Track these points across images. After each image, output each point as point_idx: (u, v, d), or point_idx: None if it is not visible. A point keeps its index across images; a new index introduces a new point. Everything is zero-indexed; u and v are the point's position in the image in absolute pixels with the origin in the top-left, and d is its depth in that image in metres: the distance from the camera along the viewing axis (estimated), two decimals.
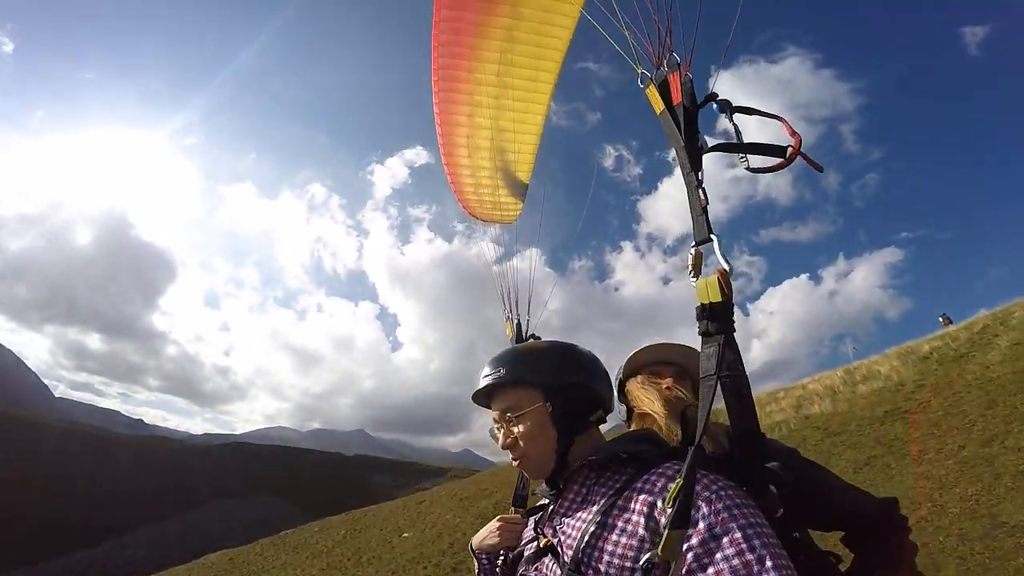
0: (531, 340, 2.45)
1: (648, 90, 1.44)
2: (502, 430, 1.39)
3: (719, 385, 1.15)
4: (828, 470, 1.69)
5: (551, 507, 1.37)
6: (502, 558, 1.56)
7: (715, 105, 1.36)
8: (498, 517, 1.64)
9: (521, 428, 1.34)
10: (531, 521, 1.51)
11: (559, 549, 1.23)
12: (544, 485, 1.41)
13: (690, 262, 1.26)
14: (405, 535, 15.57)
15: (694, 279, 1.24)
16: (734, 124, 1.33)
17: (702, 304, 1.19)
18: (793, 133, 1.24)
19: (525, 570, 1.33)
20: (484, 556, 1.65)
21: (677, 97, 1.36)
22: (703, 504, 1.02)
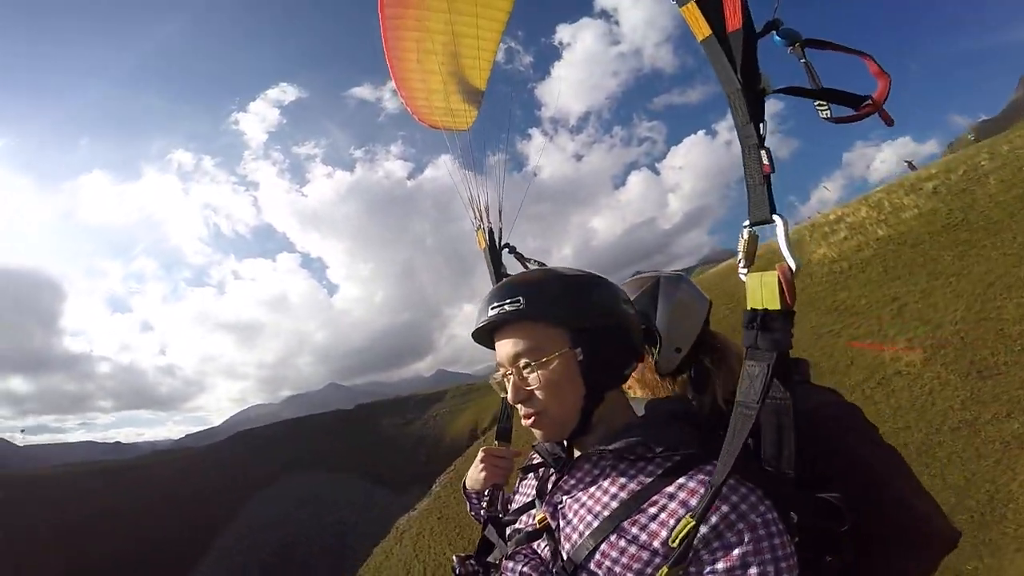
0: (532, 262, 2.13)
1: (687, 8, 0.99)
2: (511, 378, 1.11)
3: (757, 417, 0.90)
4: (895, 453, 1.22)
5: (554, 477, 1.16)
6: (488, 497, 1.47)
7: (777, 36, 0.99)
8: (483, 449, 1.51)
9: (541, 377, 1.06)
10: (530, 479, 1.30)
11: (557, 535, 1.06)
12: (546, 443, 1.18)
13: (741, 247, 0.96)
14: None
15: (744, 271, 0.95)
16: (806, 62, 1.00)
17: (752, 309, 0.91)
18: (881, 74, 0.96)
19: (516, 550, 1.11)
20: (474, 495, 1.54)
21: (735, 22, 0.94)
22: (746, 530, 0.89)
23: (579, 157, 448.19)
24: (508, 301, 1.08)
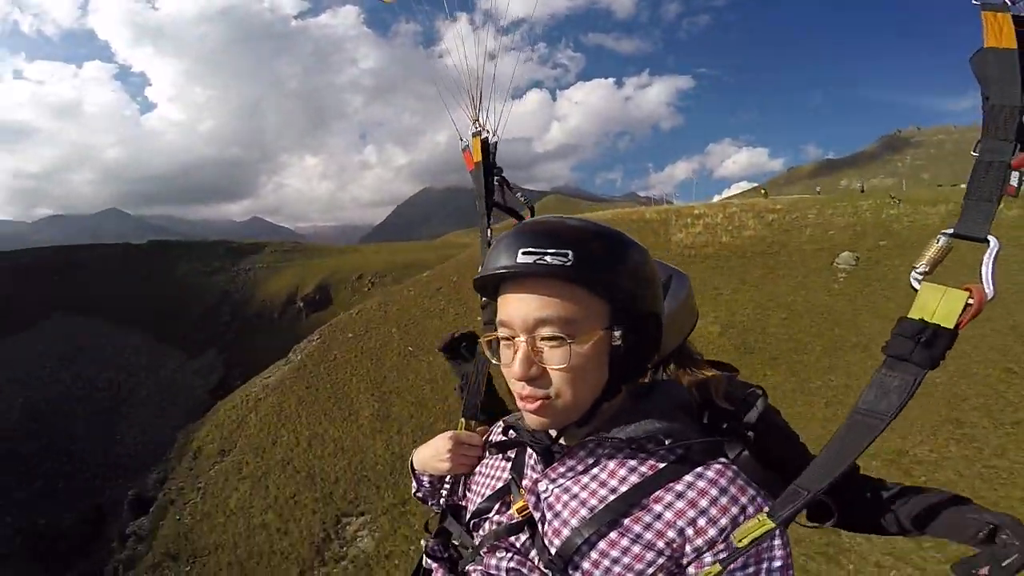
0: (520, 194, 1.74)
1: (993, 16, 0.93)
2: (522, 346, 0.88)
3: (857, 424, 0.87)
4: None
5: (538, 462, 1.02)
6: (448, 486, 1.28)
7: None
8: (450, 435, 1.26)
9: (567, 356, 0.86)
10: (499, 461, 1.14)
11: (542, 527, 0.95)
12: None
13: (929, 252, 0.89)
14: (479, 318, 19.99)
15: (919, 277, 0.88)
16: None
17: (922, 321, 0.84)
18: None
19: (495, 543, 1.01)
20: (426, 478, 1.31)
21: None
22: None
23: (491, 56, 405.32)
24: (552, 252, 0.85)
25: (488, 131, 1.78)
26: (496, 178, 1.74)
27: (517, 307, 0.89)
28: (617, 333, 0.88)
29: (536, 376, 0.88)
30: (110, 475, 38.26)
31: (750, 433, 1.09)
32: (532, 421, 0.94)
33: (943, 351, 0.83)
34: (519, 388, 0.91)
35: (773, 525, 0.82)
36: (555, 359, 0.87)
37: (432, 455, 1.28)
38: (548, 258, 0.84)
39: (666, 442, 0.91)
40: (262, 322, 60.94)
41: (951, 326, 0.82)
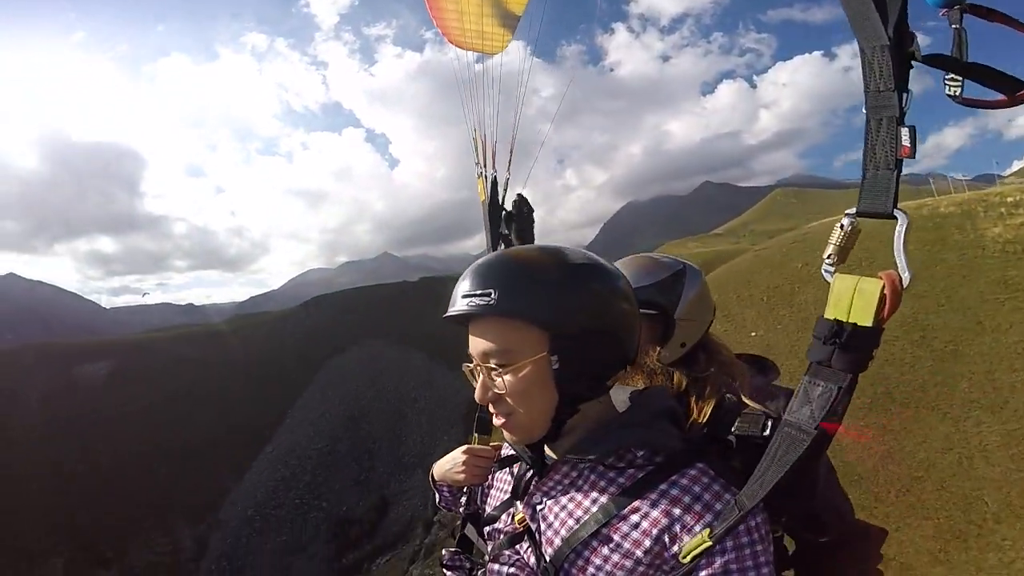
0: (529, 243, 1.83)
1: None
2: (480, 376, 0.99)
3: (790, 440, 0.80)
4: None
5: (531, 477, 1.08)
6: (466, 495, 1.38)
7: None
8: (464, 448, 1.36)
9: (510, 381, 0.95)
10: (507, 475, 1.18)
11: (538, 539, 1.01)
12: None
13: (835, 239, 0.78)
14: (752, 333, 15.28)
15: (831, 269, 0.79)
16: (959, 29, 0.82)
17: (837, 321, 0.75)
18: None
19: (498, 552, 1.08)
20: (446, 488, 1.42)
21: None
22: (729, 538, 0.85)
23: (666, 58, 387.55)
24: (479, 293, 0.94)
25: (493, 171, 1.90)
26: (515, 208, 1.94)
27: (471, 342, 1.00)
28: (554, 357, 0.93)
29: (494, 400, 0.99)
30: (396, 471, 45.16)
31: (731, 438, 1.07)
32: (507, 436, 1.05)
33: (867, 353, 0.74)
34: (489, 409, 1.02)
35: (711, 543, 0.83)
36: (499, 385, 0.96)
37: (450, 467, 1.38)
38: (476, 299, 0.93)
39: (639, 454, 0.96)
40: None
41: (869, 323, 0.72)
